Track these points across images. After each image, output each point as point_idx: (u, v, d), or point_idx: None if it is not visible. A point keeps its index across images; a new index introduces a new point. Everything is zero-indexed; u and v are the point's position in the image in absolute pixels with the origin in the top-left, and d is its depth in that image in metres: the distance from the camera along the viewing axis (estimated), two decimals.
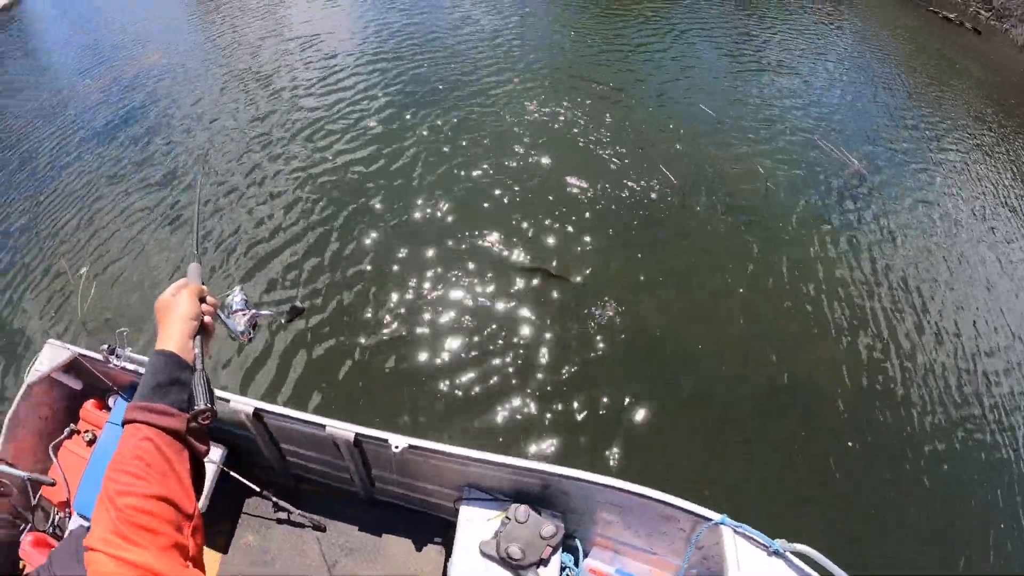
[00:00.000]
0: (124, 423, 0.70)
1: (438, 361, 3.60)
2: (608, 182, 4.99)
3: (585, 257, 4.30)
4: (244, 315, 1.15)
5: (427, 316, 3.84)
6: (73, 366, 2.82)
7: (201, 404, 0.74)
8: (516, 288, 4.04)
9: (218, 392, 2.17)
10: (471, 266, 4.17)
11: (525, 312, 3.89)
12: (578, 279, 4.13)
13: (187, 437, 0.72)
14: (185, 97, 6.42)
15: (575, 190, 4.89)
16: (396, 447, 1.95)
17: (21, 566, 2.57)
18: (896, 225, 5.05)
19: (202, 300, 0.89)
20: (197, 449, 0.73)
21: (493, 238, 4.38)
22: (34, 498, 2.61)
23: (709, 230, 4.68)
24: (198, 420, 0.73)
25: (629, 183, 5.01)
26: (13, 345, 3.90)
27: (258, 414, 2.17)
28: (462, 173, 5.02)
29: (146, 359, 2.41)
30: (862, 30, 9.53)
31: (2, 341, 3.95)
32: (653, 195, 4.91)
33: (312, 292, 4.02)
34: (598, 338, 3.75)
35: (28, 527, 2.59)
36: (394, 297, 3.95)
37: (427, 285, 4.04)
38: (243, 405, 2.18)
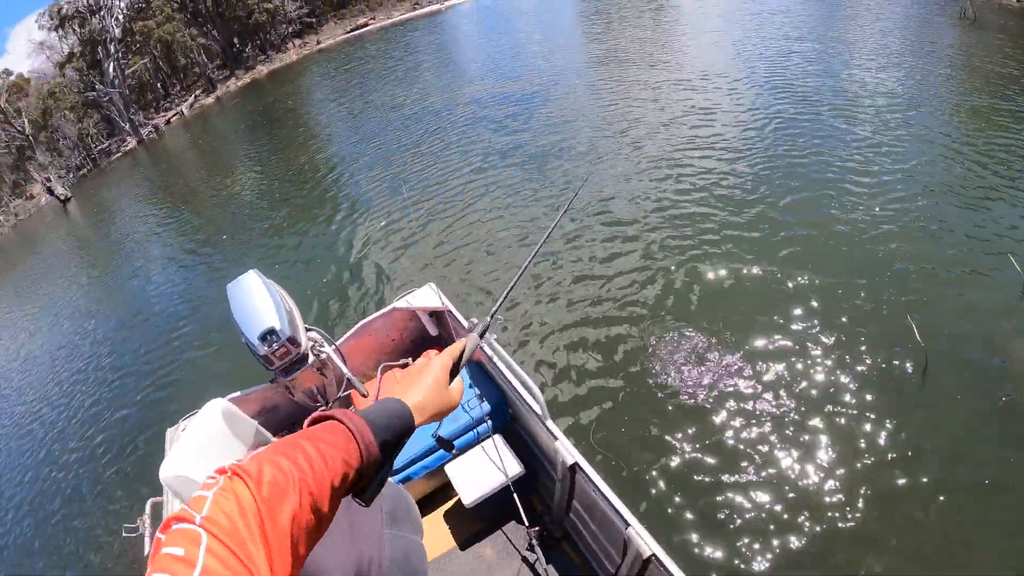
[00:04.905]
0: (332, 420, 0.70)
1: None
2: (839, 306, 4.06)
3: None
4: None
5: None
6: (438, 315, 3.01)
7: (368, 493, 0.70)
8: None
9: (551, 425, 2.12)
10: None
11: None
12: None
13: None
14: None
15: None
16: None
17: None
18: None
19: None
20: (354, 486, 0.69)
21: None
22: (341, 392, 2.76)
23: (952, 412, 3.30)
24: (359, 481, 0.68)
25: (864, 322, 3.91)
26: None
27: (573, 468, 2.05)
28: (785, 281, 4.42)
29: (504, 358, 2.34)
30: None
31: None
32: (888, 351, 3.69)
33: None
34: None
35: (322, 408, 2.76)
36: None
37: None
38: (565, 452, 2.04)
